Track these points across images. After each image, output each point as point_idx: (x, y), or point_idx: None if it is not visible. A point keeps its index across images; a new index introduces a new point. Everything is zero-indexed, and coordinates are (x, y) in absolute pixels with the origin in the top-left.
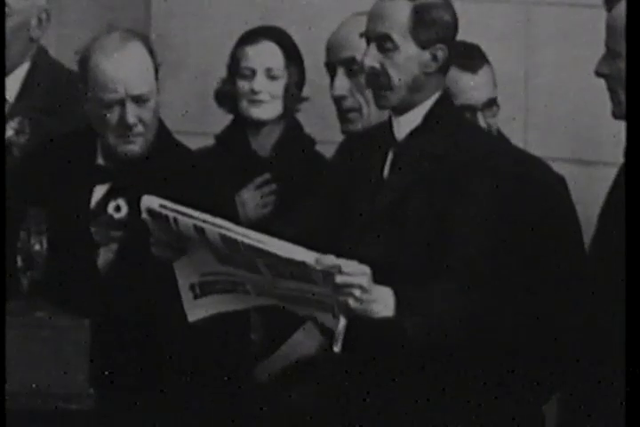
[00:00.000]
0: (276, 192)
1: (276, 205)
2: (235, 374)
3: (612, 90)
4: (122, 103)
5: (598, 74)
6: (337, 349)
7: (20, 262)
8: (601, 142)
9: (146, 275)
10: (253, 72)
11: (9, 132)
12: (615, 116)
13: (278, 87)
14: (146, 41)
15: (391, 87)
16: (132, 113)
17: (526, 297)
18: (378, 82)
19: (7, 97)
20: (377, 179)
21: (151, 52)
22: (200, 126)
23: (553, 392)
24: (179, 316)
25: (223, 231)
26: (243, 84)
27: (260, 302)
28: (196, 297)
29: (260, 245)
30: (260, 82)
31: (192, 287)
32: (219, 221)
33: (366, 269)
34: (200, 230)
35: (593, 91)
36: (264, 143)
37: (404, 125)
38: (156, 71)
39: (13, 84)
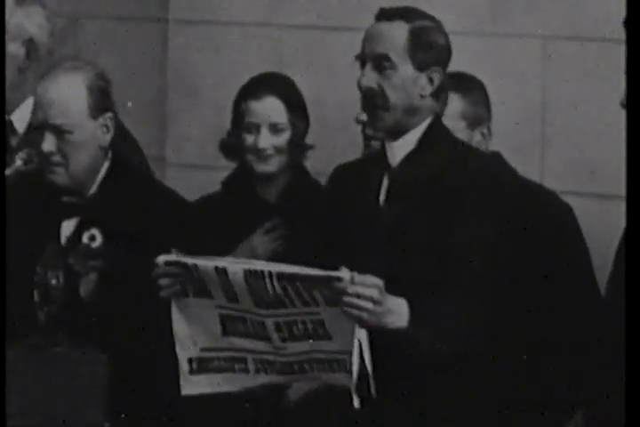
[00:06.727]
0: (284, 237)
1: (285, 249)
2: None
3: None
4: (42, 130)
5: (624, 105)
6: (356, 404)
7: (36, 297)
8: (618, 176)
9: (130, 302)
10: (257, 128)
11: (18, 163)
12: None
13: (283, 140)
14: (92, 77)
15: (388, 108)
16: (48, 141)
17: (531, 307)
18: (374, 102)
19: (17, 129)
20: (373, 205)
21: (91, 90)
22: (216, 160)
23: (574, 407)
24: None
25: (246, 266)
26: (247, 138)
27: (257, 381)
28: (191, 372)
29: (286, 270)
30: (264, 138)
31: (189, 361)
32: (240, 259)
33: (378, 281)
34: (222, 271)
35: (609, 125)
36: (270, 190)
37: (398, 151)
38: (94, 110)
39: (23, 117)
